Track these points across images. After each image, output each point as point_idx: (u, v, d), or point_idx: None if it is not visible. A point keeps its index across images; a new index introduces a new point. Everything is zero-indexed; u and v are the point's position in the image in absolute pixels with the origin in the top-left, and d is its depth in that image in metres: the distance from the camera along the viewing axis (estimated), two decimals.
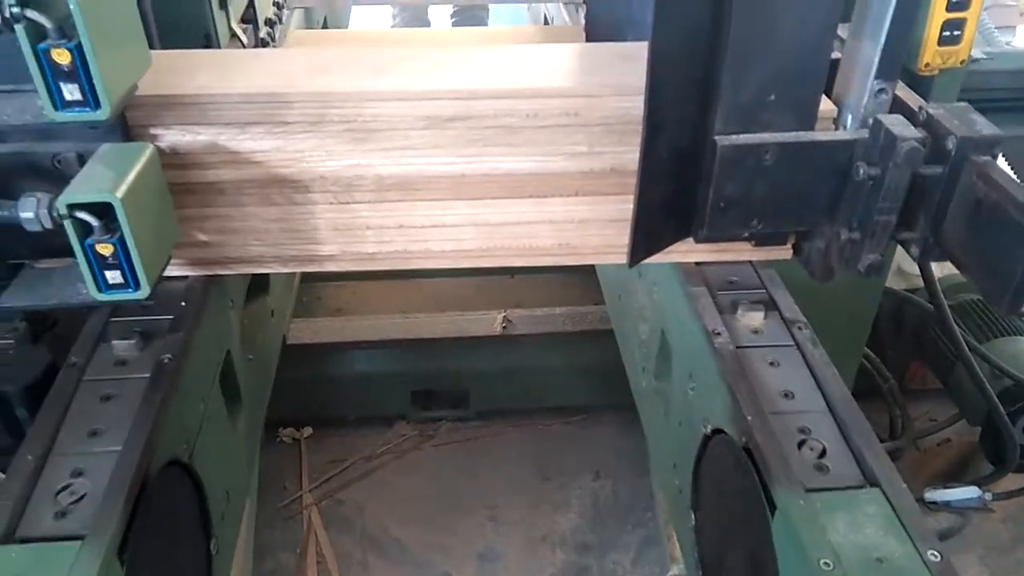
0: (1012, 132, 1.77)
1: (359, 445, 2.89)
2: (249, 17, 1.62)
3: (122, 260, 0.99)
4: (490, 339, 2.73)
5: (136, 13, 1.01)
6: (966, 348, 2.30)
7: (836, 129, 1.20)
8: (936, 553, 0.86)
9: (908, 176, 1.10)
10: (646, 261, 1.21)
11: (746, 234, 1.23)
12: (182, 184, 1.15)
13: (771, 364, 1.11)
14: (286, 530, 2.62)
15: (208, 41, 1.40)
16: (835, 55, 1.19)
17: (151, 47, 1.10)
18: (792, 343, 1.15)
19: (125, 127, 1.09)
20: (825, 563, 0.84)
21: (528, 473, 2.81)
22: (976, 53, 1.96)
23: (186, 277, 1.27)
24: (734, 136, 1.13)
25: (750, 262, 1.32)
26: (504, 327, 2.72)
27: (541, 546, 2.59)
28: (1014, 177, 1.12)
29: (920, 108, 1.17)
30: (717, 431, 1.14)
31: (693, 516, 1.26)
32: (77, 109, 0.93)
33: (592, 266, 2.25)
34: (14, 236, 1.03)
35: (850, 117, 1.18)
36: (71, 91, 0.91)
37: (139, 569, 0.93)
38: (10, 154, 1.05)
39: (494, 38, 2.32)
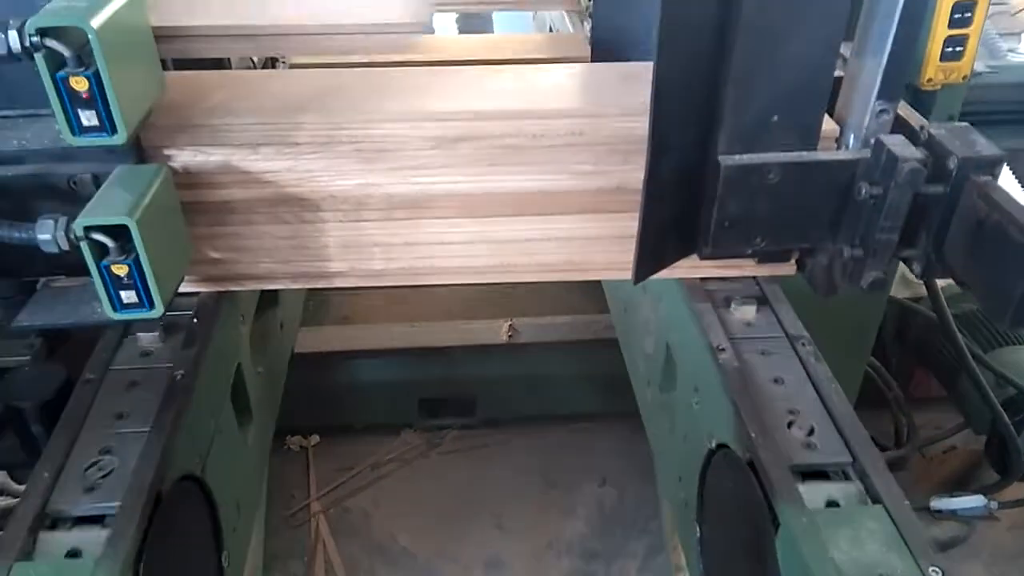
0: (1016, 145, 1.79)
1: (366, 453, 2.91)
2: None
3: (137, 280, 1.01)
4: (496, 347, 2.75)
5: (151, 39, 1.03)
6: (970, 358, 2.31)
7: (839, 148, 1.22)
8: (937, 569, 0.88)
9: (910, 196, 1.12)
10: (651, 277, 1.22)
11: (750, 251, 1.24)
12: (194, 203, 1.17)
13: (775, 381, 1.12)
14: (294, 538, 2.64)
15: (220, 62, 1.42)
16: (838, 73, 1.20)
17: (164, 68, 1.13)
18: (795, 359, 1.17)
19: (139, 148, 1.10)
20: None
21: (534, 480, 2.83)
22: (979, 67, 1.97)
23: (198, 293, 1.29)
24: (737, 156, 1.15)
25: (754, 277, 1.33)
26: (510, 335, 2.75)
27: (547, 553, 2.60)
28: (1019, 190, 1.14)
29: (922, 128, 1.18)
30: (722, 446, 1.15)
31: (699, 529, 1.28)
32: (94, 135, 0.95)
33: None
34: (31, 255, 1.05)
35: (852, 137, 1.19)
36: (88, 117, 0.93)
37: None
38: (28, 175, 1.07)
39: (499, 46, 2.33)
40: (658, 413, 1.55)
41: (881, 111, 1.16)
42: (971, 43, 1.71)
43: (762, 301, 1.29)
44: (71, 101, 0.92)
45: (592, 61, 1.45)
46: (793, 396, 1.11)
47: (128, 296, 1.03)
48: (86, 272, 1.02)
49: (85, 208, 0.98)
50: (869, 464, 1.00)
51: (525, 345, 2.74)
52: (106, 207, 0.98)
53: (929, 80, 1.73)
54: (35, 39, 0.88)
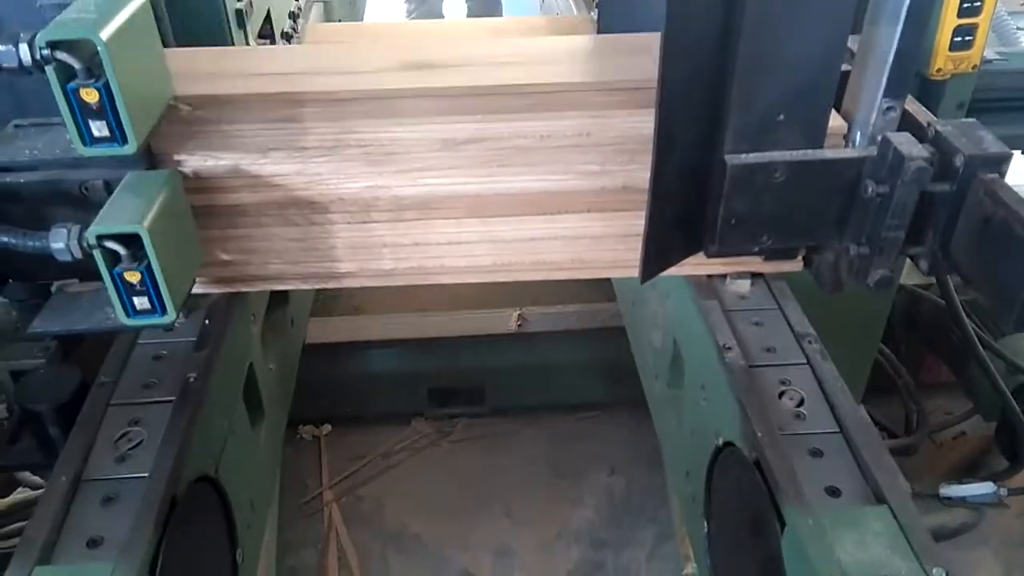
0: None
1: (377, 442, 2.93)
2: (266, 32, 1.65)
3: (149, 286, 1.03)
4: (505, 337, 2.76)
5: (160, 47, 1.03)
6: (979, 345, 2.31)
7: (846, 146, 1.22)
8: (942, 571, 0.89)
9: (916, 194, 1.12)
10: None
11: (756, 249, 1.24)
12: (205, 207, 1.18)
13: (782, 382, 1.13)
14: (307, 527, 2.67)
15: None
16: (845, 67, 1.20)
17: None
18: (803, 359, 1.17)
19: (150, 154, 1.12)
20: None
21: (543, 469, 2.84)
22: (989, 54, 1.96)
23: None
24: (744, 155, 1.15)
25: (761, 274, 1.34)
26: (519, 325, 2.75)
27: (557, 542, 2.62)
28: None
29: (928, 124, 1.18)
30: (728, 444, 1.16)
31: (706, 524, 1.29)
32: (105, 144, 0.96)
33: None
34: (45, 260, 1.06)
35: (859, 133, 1.19)
36: (99, 128, 0.94)
37: None
38: (40, 182, 1.09)
39: (505, 30, 2.33)
40: (666, 407, 1.55)
41: (888, 108, 1.15)
42: (980, 32, 1.70)
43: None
44: (82, 112, 0.93)
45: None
46: (799, 396, 1.11)
47: (141, 302, 1.04)
48: (99, 276, 1.03)
49: (97, 217, 1.00)
50: (875, 466, 1.00)
51: (534, 334, 2.75)
52: (118, 216, 1.00)
53: (938, 70, 1.72)
54: (46, 52, 0.89)
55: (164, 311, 1.05)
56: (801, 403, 1.11)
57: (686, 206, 1.20)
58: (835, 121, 1.21)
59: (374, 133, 1.13)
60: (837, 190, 1.18)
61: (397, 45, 1.25)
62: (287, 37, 1.78)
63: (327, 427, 2.97)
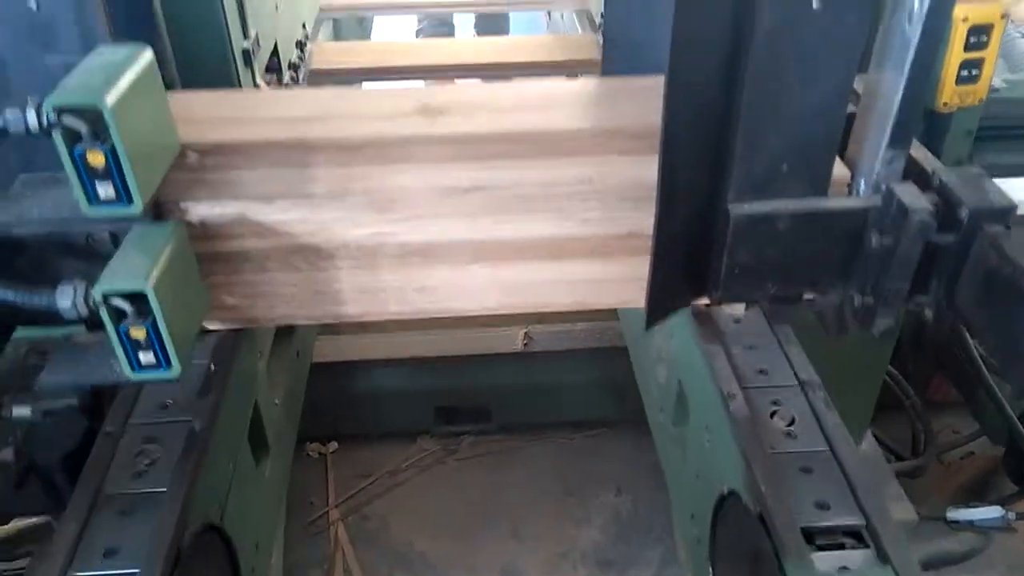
0: None
1: (384, 459, 2.94)
2: (273, 65, 1.65)
3: (155, 342, 1.03)
4: (512, 355, 2.77)
5: (167, 104, 1.04)
6: (985, 369, 2.31)
7: (849, 193, 1.21)
8: None
9: (920, 246, 1.12)
10: None
11: (760, 296, 1.24)
12: (210, 253, 1.19)
13: (788, 434, 1.13)
14: (313, 546, 2.68)
15: None
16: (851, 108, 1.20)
17: None
18: (808, 407, 1.17)
19: (155, 202, 1.12)
20: None
21: (550, 488, 2.85)
22: (996, 82, 1.95)
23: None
24: (747, 204, 1.15)
25: (765, 316, 1.34)
26: (526, 344, 2.76)
27: (563, 562, 2.63)
28: None
29: (933, 172, 1.18)
30: (733, 492, 1.16)
31: (712, 569, 1.29)
32: (111, 205, 0.96)
33: None
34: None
35: (863, 182, 1.19)
36: (105, 189, 0.95)
37: None
38: (45, 233, 1.09)
39: (513, 49, 2.33)
40: (671, 442, 1.56)
41: (892, 158, 1.15)
42: (987, 66, 1.70)
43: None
44: (88, 174, 0.94)
45: (603, 73, 1.44)
46: (805, 449, 1.11)
47: (146, 357, 1.05)
48: (104, 327, 1.04)
49: (103, 274, 1.00)
50: (880, 525, 1.00)
51: (541, 353, 2.76)
52: (123, 273, 1.00)
53: (945, 104, 1.72)
54: (52, 117, 0.90)
55: (169, 365, 1.05)
56: (806, 454, 1.11)
57: (690, 253, 1.20)
58: (839, 169, 1.20)
59: (380, 180, 1.13)
60: (841, 239, 1.18)
61: (403, 92, 1.25)
62: (294, 67, 1.78)
63: (333, 444, 2.99)
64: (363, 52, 2.29)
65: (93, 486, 1.08)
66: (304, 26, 1.91)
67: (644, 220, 1.20)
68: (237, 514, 1.24)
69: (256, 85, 1.49)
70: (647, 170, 1.17)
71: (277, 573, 2.26)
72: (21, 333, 1.16)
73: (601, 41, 1.97)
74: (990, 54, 1.67)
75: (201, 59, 1.36)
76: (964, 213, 1.11)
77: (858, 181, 1.20)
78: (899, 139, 1.13)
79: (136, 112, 0.94)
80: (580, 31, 2.61)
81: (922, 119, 1.68)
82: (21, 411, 1.20)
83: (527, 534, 2.71)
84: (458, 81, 4.12)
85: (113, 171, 0.94)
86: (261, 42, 1.51)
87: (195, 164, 1.13)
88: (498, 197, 1.17)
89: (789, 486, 1.06)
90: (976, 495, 2.68)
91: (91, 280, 1.03)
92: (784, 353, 1.27)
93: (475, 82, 2.30)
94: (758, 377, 1.22)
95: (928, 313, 1.21)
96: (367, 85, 3.18)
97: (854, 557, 0.98)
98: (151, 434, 1.15)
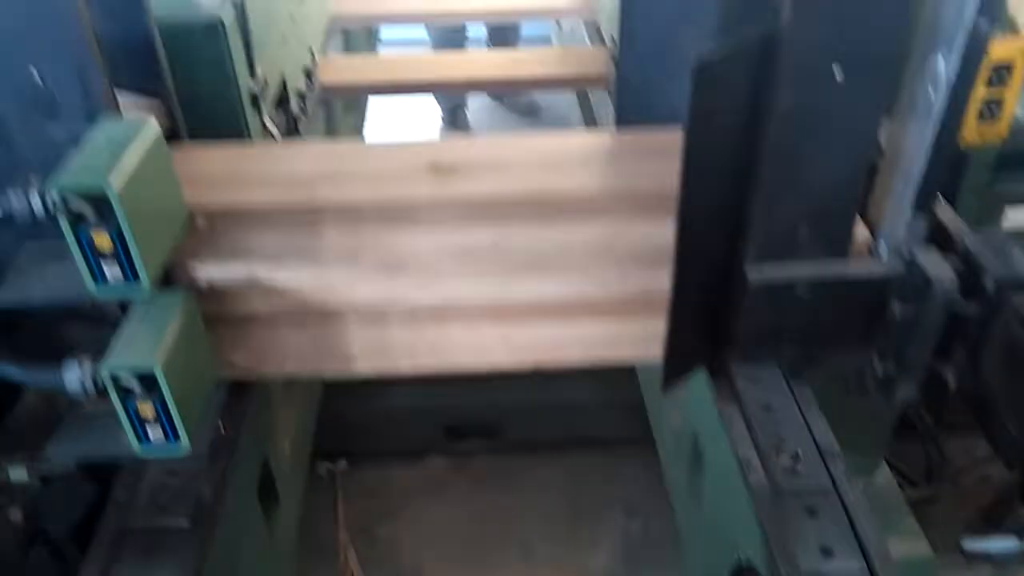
0: None
1: (393, 478, 2.92)
2: (283, 96, 1.62)
3: (163, 418, 1.02)
4: (522, 374, 2.74)
5: (175, 179, 1.02)
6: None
7: (870, 254, 1.18)
8: None
9: (944, 317, 1.09)
10: None
11: (779, 358, 1.22)
12: (219, 314, 1.17)
13: (810, 513, 1.10)
14: (322, 566, 2.67)
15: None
16: None
17: None
18: (830, 485, 1.14)
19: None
20: None
21: (560, 509, 2.82)
22: (1018, 110, 1.91)
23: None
24: (765, 267, 1.12)
25: (783, 376, 1.31)
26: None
27: None
28: None
29: (958, 235, 1.15)
30: (752, 568, 1.14)
31: None
32: (117, 285, 0.95)
33: None
34: None
35: (884, 244, 1.16)
36: (112, 270, 0.93)
37: None
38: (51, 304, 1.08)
39: (522, 64, 2.29)
40: (685, 490, 1.53)
41: (915, 222, 1.12)
42: (1008, 104, 1.66)
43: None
44: (94, 256, 0.92)
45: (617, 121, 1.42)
46: (827, 529, 1.08)
47: (155, 433, 1.03)
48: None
49: (110, 352, 0.99)
50: None
51: (551, 372, 2.73)
52: (131, 351, 0.98)
53: (966, 142, 1.68)
54: (58, 200, 0.88)
55: (178, 440, 1.04)
56: (826, 534, 1.08)
57: (707, 314, 1.18)
58: (860, 230, 1.18)
59: (390, 242, 1.11)
60: (861, 305, 1.15)
61: (412, 148, 1.22)
62: (302, 97, 1.75)
63: (343, 463, 2.97)
64: (373, 66, 2.25)
65: (102, 563, 1.06)
66: (311, 51, 1.88)
67: (659, 280, 1.18)
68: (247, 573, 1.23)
69: (264, 127, 1.47)
70: (662, 232, 1.14)
71: None
72: None
73: (612, 64, 1.95)
74: (1012, 91, 1.63)
75: (207, 105, 1.33)
76: (990, 283, 1.09)
77: (879, 242, 1.17)
78: (923, 203, 1.10)
79: (142, 192, 0.92)
80: (589, 44, 2.58)
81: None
82: (18, 474, 1.19)
83: (537, 556, 2.69)
84: (469, 100, 4.10)
85: (120, 252, 0.92)
86: (269, 80, 1.48)
87: (203, 228, 1.11)
88: (512, 258, 1.15)
89: (809, 567, 1.03)
90: (991, 520, 2.65)
91: (99, 347, 1.01)
92: (803, 417, 1.24)
93: (485, 139, 2.26)
94: (777, 445, 1.19)
95: (951, 380, 1.18)
96: (375, 99, 3.15)
97: None
98: (161, 503, 1.14)
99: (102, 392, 0.99)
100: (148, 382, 0.99)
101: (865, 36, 0.95)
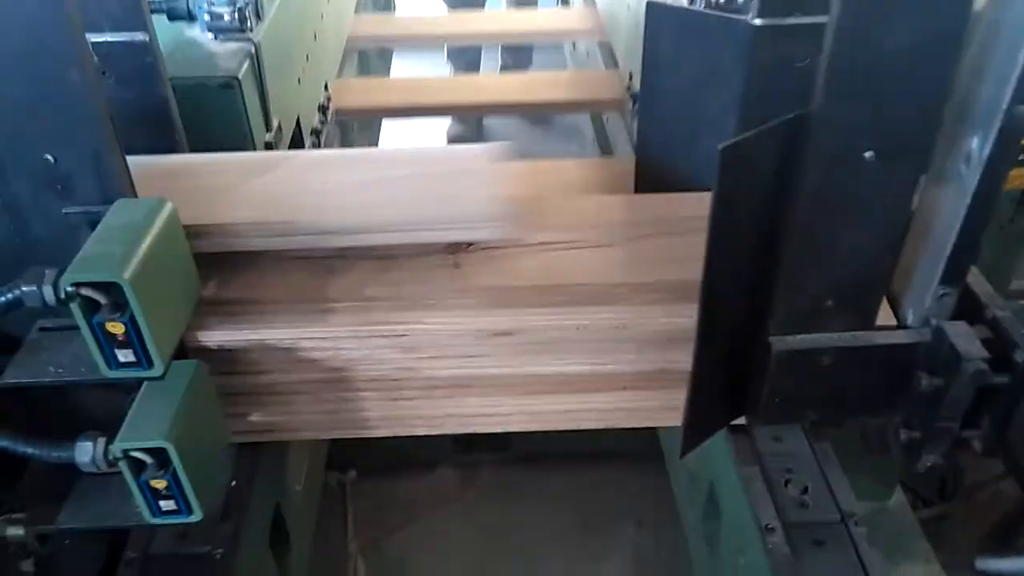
0: None
1: (402, 488, 2.92)
2: (296, 136, 1.60)
3: (176, 492, 1.01)
4: None
5: (189, 257, 1.00)
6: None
7: (896, 322, 1.16)
8: None
9: (973, 391, 1.07)
10: None
11: (801, 421, 1.21)
12: (231, 384, 1.16)
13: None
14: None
15: None
16: None
17: None
18: (852, 550, 1.13)
19: None
20: None
21: (569, 521, 2.82)
22: None
23: None
24: (789, 339, 1.10)
25: (803, 432, 1.29)
26: None
27: None
28: None
29: (987, 306, 1.12)
30: None
31: None
32: (131, 369, 0.93)
33: None
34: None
35: (911, 313, 1.14)
36: (125, 355, 0.91)
37: None
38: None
39: (537, 87, 2.25)
40: (698, 528, 1.52)
41: (944, 294, 1.10)
42: None
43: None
44: (107, 342, 0.90)
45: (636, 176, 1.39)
46: None
47: (167, 504, 1.02)
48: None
49: (123, 429, 0.97)
50: None
51: None
52: (143, 428, 0.97)
53: None
54: (70, 290, 0.86)
55: (191, 511, 1.03)
56: None
57: (728, 380, 1.16)
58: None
59: (406, 327, 1.09)
60: (888, 373, 1.13)
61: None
62: (316, 133, 1.73)
63: (353, 473, 2.97)
64: (388, 89, 2.23)
65: None
66: (326, 86, 1.85)
67: (679, 358, 1.16)
68: None
69: None
70: (684, 318, 1.12)
71: None
72: None
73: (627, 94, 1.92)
74: None
75: None
76: (1021, 357, 1.06)
77: (906, 311, 1.15)
78: (952, 279, 1.08)
79: (156, 279, 0.90)
80: (604, 68, 2.55)
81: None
82: (15, 532, 1.17)
83: (546, 569, 2.69)
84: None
85: (134, 339, 0.90)
86: (284, 126, 1.46)
87: (212, 296, 1.09)
88: (530, 340, 1.13)
89: None
90: (1005, 536, 2.63)
91: (111, 415, 1.00)
92: (824, 478, 1.22)
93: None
94: (798, 510, 1.18)
95: (977, 445, 1.16)
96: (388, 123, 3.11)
97: None
98: (173, 567, 1.13)
99: (114, 465, 0.98)
100: (160, 458, 0.98)
101: (898, 119, 0.92)
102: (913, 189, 0.99)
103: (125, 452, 0.97)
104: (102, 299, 0.88)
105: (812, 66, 0.89)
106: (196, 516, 1.03)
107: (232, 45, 1.33)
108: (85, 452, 0.98)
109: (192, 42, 1.34)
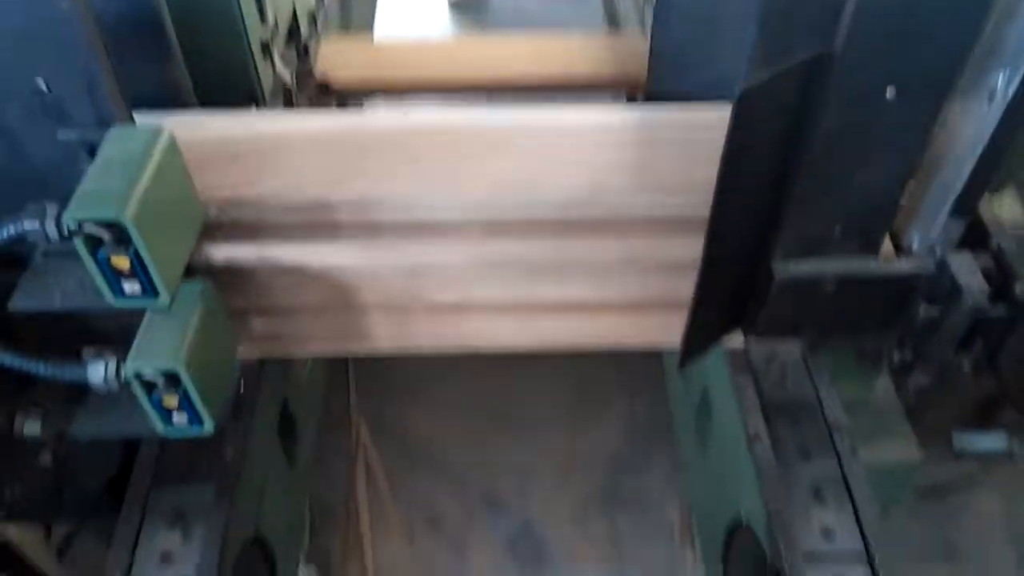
0: None
1: (402, 363, 2.98)
2: (293, 26, 1.53)
3: (187, 407, 1.03)
4: None
5: (190, 183, 0.98)
6: None
7: (897, 245, 1.16)
8: None
9: (970, 320, 1.08)
10: None
11: (798, 338, 1.23)
12: (239, 302, 1.17)
13: (814, 494, 1.14)
14: (336, 442, 2.78)
15: (253, 98, 1.34)
16: None
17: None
18: (836, 466, 1.17)
19: None
20: None
21: (566, 391, 2.90)
22: None
23: None
24: (792, 264, 1.10)
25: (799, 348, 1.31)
26: None
27: (577, 464, 2.72)
28: None
29: (992, 234, 1.12)
30: (749, 528, 1.19)
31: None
32: (137, 299, 0.94)
33: None
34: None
35: (916, 239, 1.13)
36: (131, 286, 0.92)
37: None
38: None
39: (553, 55, 2.05)
40: (690, 424, 1.57)
41: (951, 226, 1.09)
42: None
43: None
44: (113, 274, 0.90)
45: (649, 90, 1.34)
46: (830, 512, 1.13)
47: (179, 418, 1.05)
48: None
49: (132, 351, 0.99)
50: None
51: None
52: (154, 350, 0.98)
53: None
54: (73, 228, 0.86)
55: (203, 424, 1.06)
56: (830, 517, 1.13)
57: (731, 299, 1.17)
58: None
59: (414, 255, 1.09)
60: (887, 299, 1.14)
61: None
62: (313, 16, 1.65)
63: None
64: (378, 57, 1.92)
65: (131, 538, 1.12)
66: None
67: (682, 286, 1.16)
68: (273, 517, 1.29)
69: (275, 73, 1.39)
70: (688, 248, 1.11)
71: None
72: None
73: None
74: None
75: (217, 63, 1.26)
76: (1020, 290, 1.07)
77: (911, 237, 1.14)
78: (961, 211, 1.07)
79: (159, 213, 0.89)
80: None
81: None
82: (32, 429, 1.22)
83: (542, 437, 2.79)
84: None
85: (139, 271, 0.90)
86: (280, 17, 1.39)
87: (215, 217, 1.08)
88: (534, 268, 1.13)
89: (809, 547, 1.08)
90: (983, 417, 2.72)
91: (122, 333, 1.02)
92: (816, 392, 1.26)
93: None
94: (786, 420, 1.22)
95: (966, 365, 1.19)
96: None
97: None
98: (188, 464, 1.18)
99: (125, 386, 1.01)
100: (172, 378, 1.00)
101: (923, 57, 0.88)
102: (932, 126, 0.96)
103: (138, 374, 0.99)
104: (105, 235, 0.87)
105: None
106: (208, 428, 1.06)
107: None
108: (96, 373, 1.00)
109: None
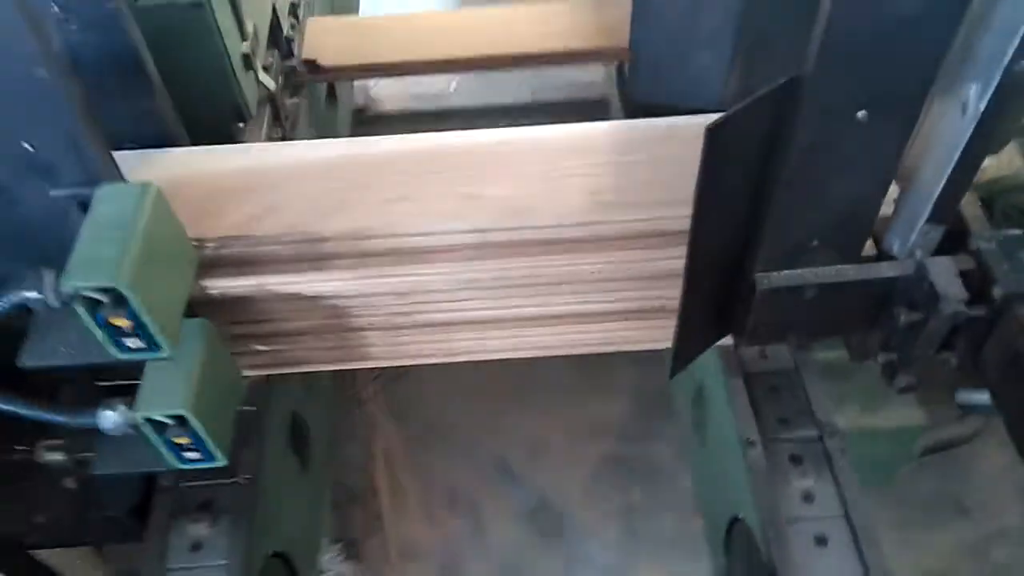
0: None
1: None
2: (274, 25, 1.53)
3: (198, 444, 1.08)
4: None
5: (183, 233, 1.01)
6: None
7: (879, 251, 1.18)
8: None
9: (949, 325, 1.10)
10: None
11: (785, 342, 1.25)
12: (237, 329, 1.21)
13: (805, 499, 1.18)
14: (351, 424, 2.84)
15: (238, 111, 1.36)
16: None
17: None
18: (829, 474, 1.21)
19: None
20: None
21: (575, 363, 2.94)
22: None
23: None
24: (774, 275, 1.13)
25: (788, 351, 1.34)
26: None
27: (586, 434, 2.77)
28: None
29: (972, 235, 1.13)
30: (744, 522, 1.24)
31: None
32: (139, 352, 0.98)
33: None
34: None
35: (896, 243, 1.15)
36: (133, 342, 0.95)
37: None
38: None
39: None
40: (687, 410, 1.61)
41: (929, 231, 1.10)
42: None
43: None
44: (114, 333, 0.94)
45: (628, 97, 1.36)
46: (821, 516, 1.17)
47: (192, 455, 1.10)
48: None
49: (141, 396, 1.04)
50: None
51: None
52: (161, 396, 1.03)
53: None
54: (70, 291, 0.89)
55: (215, 459, 1.11)
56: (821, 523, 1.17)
57: (717, 310, 1.19)
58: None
59: (401, 277, 1.12)
60: (869, 302, 1.16)
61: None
62: (288, 41, 1.65)
63: None
64: (365, 36, 1.92)
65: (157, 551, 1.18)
66: None
67: (667, 295, 1.19)
68: (291, 525, 1.35)
69: (259, 83, 1.41)
70: (670, 260, 1.14)
71: None
72: None
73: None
74: None
75: (198, 81, 1.28)
76: (998, 293, 1.09)
77: (891, 242, 1.16)
78: (939, 218, 1.08)
79: (154, 272, 0.92)
80: None
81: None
82: (54, 457, 1.27)
83: (552, 408, 2.83)
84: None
85: (139, 329, 0.94)
86: (259, 26, 1.40)
87: (210, 255, 1.12)
88: (518, 285, 1.16)
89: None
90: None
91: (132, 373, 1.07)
92: (806, 394, 1.29)
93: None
94: (778, 426, 1.25)
95: (952, 362, 1.21)
96: None
97: None
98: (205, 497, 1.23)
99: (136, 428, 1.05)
100: (181, 419, 1.04)
101: (894, 81, 0.89)
102: (904, 143, 0.98)
103: (146, 418, 1.03)
104: (103, 298, 0.91)
105: None
106: (220, 462, 1.12)
107: None
108: (107, 419, 1.04)
109: None
